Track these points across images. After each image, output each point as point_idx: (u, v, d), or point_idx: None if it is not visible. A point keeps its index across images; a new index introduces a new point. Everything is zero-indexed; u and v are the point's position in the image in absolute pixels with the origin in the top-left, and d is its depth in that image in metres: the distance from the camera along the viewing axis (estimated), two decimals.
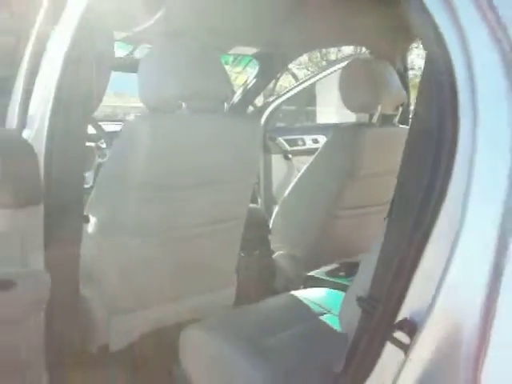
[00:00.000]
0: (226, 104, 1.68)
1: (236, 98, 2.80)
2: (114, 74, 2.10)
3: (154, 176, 1.50)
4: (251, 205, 2.25)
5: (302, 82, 2.86)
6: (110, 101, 4.00)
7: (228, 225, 1.74)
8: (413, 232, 0.73)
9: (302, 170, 2.17)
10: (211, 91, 1.58)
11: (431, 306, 0.68)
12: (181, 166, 1.54)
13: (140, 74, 1.54)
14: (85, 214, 1.53)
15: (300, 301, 1.49)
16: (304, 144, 3.11)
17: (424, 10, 0.70)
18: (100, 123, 2.06)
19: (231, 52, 2.62)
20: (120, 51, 2.35)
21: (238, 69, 3.12)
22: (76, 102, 1.35)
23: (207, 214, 1.66)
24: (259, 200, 2.90)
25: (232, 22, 1.96)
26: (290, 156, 2.98)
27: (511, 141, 0.62)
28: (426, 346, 0.69)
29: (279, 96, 3.01)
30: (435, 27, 0.69)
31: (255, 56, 2.64)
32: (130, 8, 1.69)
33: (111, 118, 2.89)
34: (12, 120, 1.23)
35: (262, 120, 2.91)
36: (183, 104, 1.52)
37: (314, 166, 2.11)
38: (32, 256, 1.22)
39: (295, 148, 3.04)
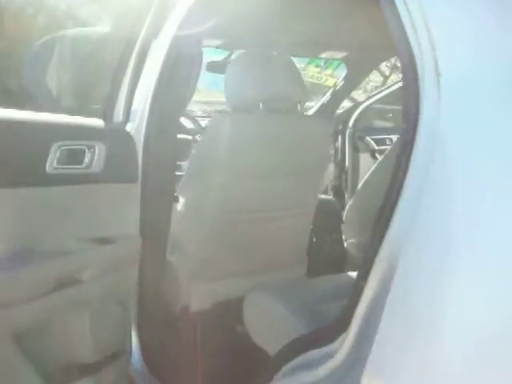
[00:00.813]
0: (299, 105, 1.89)
1: (325, 99, 3.02)
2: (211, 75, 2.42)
3: (235, 166, 1.76)
4: (326, 196, 2.45)
5: (395, 83, 2.99)
6: (207, 97, 4.34)
7: (299, 211, 1.96)
8: None
9: (374, 165, 2.31)
10: (286, 94, 1.81)
11: None
12: (258, 158, 1.78)
13: (226, 76, 1.81)
14: (175, 194, 1.84)
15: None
16: (391, 143, 3.22)
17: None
18: (197, 118, 2.39)
19: (321, 56, 2.84)
20: (218, 55, 2.66)
21: (328, 71, 3.31)
22: (170, 100, 1.65)
23: (281, 200, 1.89)
24: (345, 194, 3.08)
25: (322, 29, 2.17)
26: (377, 155, 3.12)
27: None
28: None
29: (370, 96, 3.16)
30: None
31: (344, 60, 2.83)
32: (223, 20, 1.97)
33: (207, 114, 3.24)
34: (118, 114, 1.55)
35: (352, 119, 3.09)
36: (260, 104, 1.77)
37: (385, 161, 2.24)
38: (129, 223, 1.53)
39: (382, 147, 3.17)
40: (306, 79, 3.27)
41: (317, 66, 3.23)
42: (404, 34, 0.84)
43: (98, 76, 1.82)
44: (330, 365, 0.91)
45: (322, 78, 3.28)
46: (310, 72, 3.40)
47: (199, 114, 3.24)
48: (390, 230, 0.84)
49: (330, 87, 3.09)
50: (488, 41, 0.77)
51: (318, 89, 3.59)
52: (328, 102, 3.00)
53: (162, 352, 1.74)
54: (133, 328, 1.67)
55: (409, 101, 0.85)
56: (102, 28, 1.89)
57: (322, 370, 0.91)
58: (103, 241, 1.37)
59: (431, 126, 0.80)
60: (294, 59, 2.00)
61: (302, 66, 3.37)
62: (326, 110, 3.00)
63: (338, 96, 2.99)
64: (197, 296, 1.89)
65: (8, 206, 1.15)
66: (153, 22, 1.58)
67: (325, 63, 3.16)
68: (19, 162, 1.17)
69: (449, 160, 0.77)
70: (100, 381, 1.42)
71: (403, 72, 0.88)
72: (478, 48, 0.77)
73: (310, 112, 3.11)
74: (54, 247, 1.23)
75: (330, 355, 0.91)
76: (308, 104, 3.16)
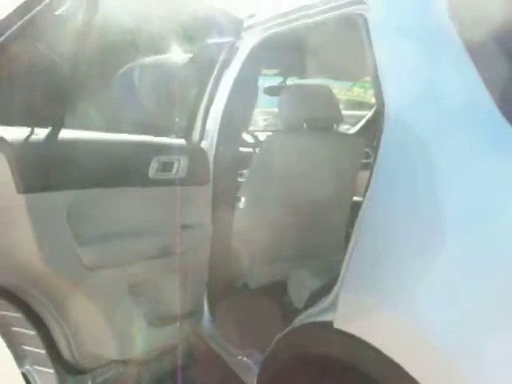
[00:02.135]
0: (335, 124, 2.37)
1: (369, 116, 3.47)
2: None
3: (284, 172, 2.25)
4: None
5: None
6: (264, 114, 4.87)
7: (335, 208, 2.43)
8: None
9: None
10: (323, 116, 2.30)
11: None
12: (302, 166, 2.27)
13: (279, 102, 2.31)
14: (238, 195, 2.36)
15: None
16: None
17: None
18: (256, 134, 2.91)
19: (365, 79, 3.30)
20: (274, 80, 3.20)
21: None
22: (233, 123, 2.19)
23: (320, 198, 2.35)
24: None
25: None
26: None
27: None
28: None
29: None
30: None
31: None
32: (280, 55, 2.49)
33: (264, 129, 3.77)
34: (196, 134, 2.07)
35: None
36: (304, 124, 2.26)
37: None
38: (204, 215, 2.05)
39: None
40: (352, 98, 3.76)
41: (361, 87, 3.69)
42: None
43: (177, 100, 2.30)
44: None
45: (366, 96, 3.74)
46: (355, 92, 3.89)
47: (259, 128, 3.77)
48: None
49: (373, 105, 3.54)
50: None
51: (363, 106, 4.06)
52: (371, 118, 3.45)
53: (227, 317, 2.25)
54: (205, 296, 2.20)
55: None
56: (175, 56, 2.30)
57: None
58: (185, 226, 1.91)
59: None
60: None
61: (348, 87, 3.86)
62: (370, 125, 3.45)
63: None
64: (255, 275, 2.40)
65: (124, 199, 1.70)
66: (226, 55, 1.99)
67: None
68: (131, 169, 1.73)
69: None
70: (178, 331, 1.95)
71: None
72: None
73: (357, 127, 3.57)
74: (155, 229, 1.78)
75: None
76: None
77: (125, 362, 1.88)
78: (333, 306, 1.26)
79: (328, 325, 1.23)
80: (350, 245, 1.25)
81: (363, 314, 1.16)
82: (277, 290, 2.33)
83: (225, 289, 2.30)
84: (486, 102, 1.05)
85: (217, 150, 2.18)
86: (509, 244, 0.92)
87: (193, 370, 2.17)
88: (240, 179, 2.52)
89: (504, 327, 0.92)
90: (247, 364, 2.05)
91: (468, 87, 1.10)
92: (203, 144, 2.09)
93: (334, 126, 2.36)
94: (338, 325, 1.21)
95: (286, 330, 1.46)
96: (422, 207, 1.11)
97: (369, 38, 1.39)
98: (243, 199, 2.39)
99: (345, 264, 1.25)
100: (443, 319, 0.99)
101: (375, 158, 1.23)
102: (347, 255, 1.25)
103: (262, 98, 3.19)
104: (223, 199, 2.22)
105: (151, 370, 2.02)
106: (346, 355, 1.17)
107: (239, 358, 2.09)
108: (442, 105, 1.14)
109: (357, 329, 1.15)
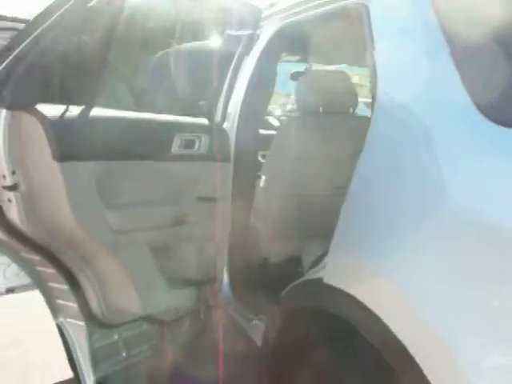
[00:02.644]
0: (351, 109, 2.50)
1: None
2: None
3: (300, 155, 2.39)
4: None
5: None
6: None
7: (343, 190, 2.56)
8: None
9: None
10: (340, 101, 2.43)
11: None
12: (316, 149, 2.41)
13: (297, 86, 2.46)
14: (258, 173, 2.53)
15: None
16: None
17: None
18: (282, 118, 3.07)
19: None
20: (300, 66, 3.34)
21: None
22: (253, 106, 2.35)
23: (333, 181, 2.48)
24: None
25: None
26: None
27: None
28: None
29: None
30: None
31: None
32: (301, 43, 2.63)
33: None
34: (218, 115, 2.24)
35: None
36: (320, 108, 2.40)
37: None
38: (224, 190, 2.21)
39: None
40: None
41: None
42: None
43: (202, 84, 2.48)
44: None
45: None
46: None
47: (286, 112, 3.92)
48: None
49: None
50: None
51: None
52: None
53: (245, 285, 2.43)
54: (225, 266, 2.38)
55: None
56: (207, 43, 2.48)
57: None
58: (205, 199, 2.09)
59: None
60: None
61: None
62: None
63: None
64: (273, 253, 2.57)
65: (148, 171, 1.89)
66: (246, 43, 2.16)
67: None
68: (157, 145, 1.91)
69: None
70: (199, 294, 2.14)
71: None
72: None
73: None
74: (176, 200, 1.97)
75: None
76: None
77: (149, 321, 2.09)
78: (324, 266, 1.42)
79: (319, 281, 1.39)
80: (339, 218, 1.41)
81: (346, 271, 1.32)
82: (292, 264, 2.49)
83: (244, 259, 2.48)
84: (462, 96, 1.16)
85: (238, 131, 2.35)
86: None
87: (211, 333, 2.36)
88: (262, 159, 2.68)
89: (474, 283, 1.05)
90: (261, 328, 2.23)
91: (446, 82, 1.21)
92: (225, 125, 2.27)
93: (351, 110, 2.48)
94: (326, 280, 1.37)
95: (288, 288, 1.63)
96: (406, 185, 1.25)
97: (369, 28, 1.52)
98: (263, 178, 2.56)
99: (334, 232, 1.41)
100: (409, 273, 1.14)
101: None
102: (336, 225, 1.41)
103: (289, 83, 3.34)
104: (244, 177, 2.39)
105: (172, 330, 2.22)
106: (332, 305, 1.33)
107: (254, 322, 2.27)
108: (422, 98, 1.26)
109: (340, 283, 1.30)
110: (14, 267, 2.83)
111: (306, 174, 2.43)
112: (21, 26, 1.87)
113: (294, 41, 2.54)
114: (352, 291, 1.25)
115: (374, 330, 1.19)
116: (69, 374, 1.98)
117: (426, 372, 1.05)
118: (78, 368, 1.94)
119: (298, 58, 3.14)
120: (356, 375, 1.40)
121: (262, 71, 2.38)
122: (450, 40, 1.21)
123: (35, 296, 2.08)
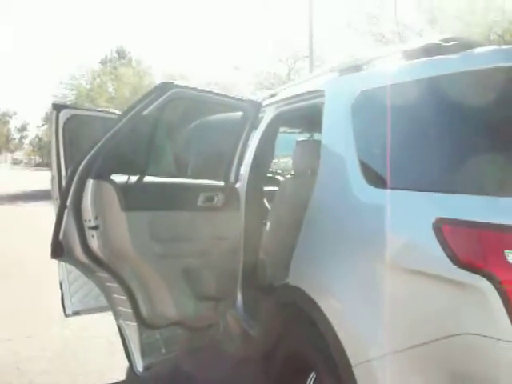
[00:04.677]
0: None
1: None
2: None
3: (294, 206, 3.22)
4: None
5: None
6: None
7: None
8: None
9: None
10: None
11: None
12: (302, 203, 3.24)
13: (292, 154, 3.32)
14: (264, 220, 3.37)
15: None
16: None
17: None
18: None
19: None
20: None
21: None
22: (259, 169, 3.22)
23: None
24: None
25: None
26: None
27: None
28: None
29: None
30: None
31: None
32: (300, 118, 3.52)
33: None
34: (232, 177, 3.10)
35: None
36: (309, 171, 3.25)
37: None
38: (235, 231, 3.04)
39: None
40: None
41: None
42: None
43: (220, 154, 3.33)
44: None
45: None
46: None
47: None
48: None
49: None
50: None
51: None
52: None
53: (253, 302, 3.22)
54: (238, 287, 3.18)
55: None
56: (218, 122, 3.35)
57: None
58: (222, 238, 2.93)
59: None
60: None
61: None
62: None
63: None
64: (276, 277, 3.37)
65: (181, 218, 2.75)
66: (252, 122, 3.06)
67: None
68: (187, 200, 2.78)
69: None
70: (219, 307, 2.95)
71: None
72: None
73: None
74: (200, 238, 2.82)
75: None
76: None
77: (182, 326, 2.90)
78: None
79: (287, 283, 2.22)
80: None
81: (301, 275, 2.15)
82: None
83: (253, 282, 3.28)
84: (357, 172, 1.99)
85: (247, 189, 3.22)
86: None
87: (229, 342, 3.17)
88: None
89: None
90: None
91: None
92: (237, 185, 3.13)
93: None
94: (291, 282, 2.20)
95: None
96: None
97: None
98: (268, 223, 3.40)
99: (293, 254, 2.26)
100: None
101: None
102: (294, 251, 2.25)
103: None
104: (252, 223, 3.23)
105: (199, 335, 3.03)
106: (293, 298, 2.15)
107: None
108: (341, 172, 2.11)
109: (298, 283, 2.13)
110: (79, 295, 3.74)
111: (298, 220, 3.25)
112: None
113: (286, 121, 3.44)
114: (302, 287, 2.08)
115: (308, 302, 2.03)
116: None
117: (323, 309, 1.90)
118: (131, 357, 2.76)
119: (299, 129, 4.03)
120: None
121: (265, 143, 3.26)
122: (357, 142, 2.05)
123: None
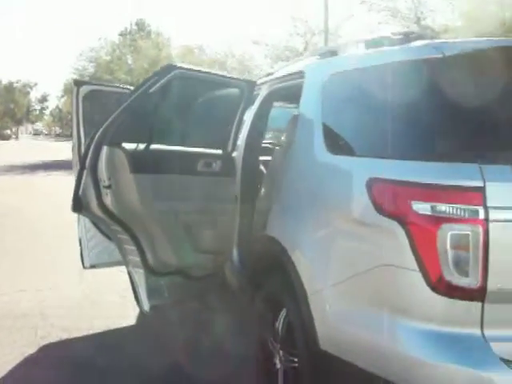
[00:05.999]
0: None
1: None
2: None
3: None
4: None
5: None
6: None
7: None
8: None
9: None
10: None
11: None
12: None
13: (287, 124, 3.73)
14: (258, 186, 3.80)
15: None
16: None
17: None
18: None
19: None
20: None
21: None
22: (254, 140, 3.63)
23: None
24: None
25: None
26: None
27: None
28: None
29: None
30: None
31: None
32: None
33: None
34: (229, 146, 3.51)
35: None
36: None
37: None
38: (231, 193, 3.50)
39: None
40: None
41: None
42: None
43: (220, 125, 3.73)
44: None
45: None
46: None
47: None
48: None
49: None
50: None
51: None
52: None
53: (246, 255, 3.67)
54: (234, 242, 3.63)
55: None
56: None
57: None
58: (221, 199, 3.36)
59: None
60: None
61: None
62: None
63: None
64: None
65: (183, 181, 3.18)
66: (248, 98, 3.49)
67: None
68: (188, 165, 3.22)
69: None
70: (216, 259, 3.41)
71: None
72: None
73: None
74: (200, 197, 3.26)
75: None
76: None
77: (182, 274, 3.36)
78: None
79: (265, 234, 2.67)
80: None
81: (277, 226, 2.60)
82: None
83: (247, 239, 3.72)
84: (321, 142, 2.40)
85: (244, 159, 3.63)
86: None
87: (224, 291, 3.65)
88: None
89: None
90: None
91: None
92: (234, 154, 3.55)
93: None
94: (267, 232, 2.65)
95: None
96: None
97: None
98: (262, 189, 3.83)
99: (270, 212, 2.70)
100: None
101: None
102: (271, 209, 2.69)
103: None
104: (248, 187, 3.66)
105: (198, 284, 3.50)
106: (270, 248, 2.60)
107: None
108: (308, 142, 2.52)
109: (272, 233, 2.58)
110: (95, 251, 4.23)
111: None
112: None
113: (277, 98, 3.83)
114: (276, 236, 2.53)
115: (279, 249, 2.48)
116: None
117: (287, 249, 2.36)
118: (139, 298, 3.25)
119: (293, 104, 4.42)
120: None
121: (260, 116, 3.67)
122: (323, 117, 2.46)
123: None
